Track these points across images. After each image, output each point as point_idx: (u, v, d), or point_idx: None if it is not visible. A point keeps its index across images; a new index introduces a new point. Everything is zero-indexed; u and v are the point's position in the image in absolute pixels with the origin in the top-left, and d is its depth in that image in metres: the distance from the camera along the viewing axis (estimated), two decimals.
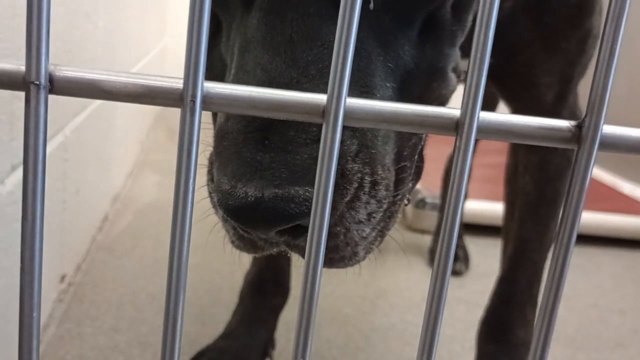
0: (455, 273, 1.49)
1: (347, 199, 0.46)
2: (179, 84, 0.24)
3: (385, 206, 0.49)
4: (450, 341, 1.19)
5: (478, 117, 0.25)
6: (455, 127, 0.25)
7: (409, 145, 0.52)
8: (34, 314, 0.23)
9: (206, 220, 1.84)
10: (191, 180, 0.23)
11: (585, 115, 0.26)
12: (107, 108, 1.45)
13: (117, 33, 1.54)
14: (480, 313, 0.95)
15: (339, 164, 0.43)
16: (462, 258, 1.54)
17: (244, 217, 0.43)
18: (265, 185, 0.42)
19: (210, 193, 0.51)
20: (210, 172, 0.49)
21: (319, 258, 0.27)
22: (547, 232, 0.88)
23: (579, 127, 0.26)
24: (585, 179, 0.27)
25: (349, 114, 0.25)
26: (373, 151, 0.47)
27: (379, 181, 0.48)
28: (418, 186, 1.84)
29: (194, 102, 0.23)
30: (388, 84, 0.48)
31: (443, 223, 0.28)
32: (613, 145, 0.26)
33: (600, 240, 1.80)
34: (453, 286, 1.43)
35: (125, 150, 1.80)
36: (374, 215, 0.49)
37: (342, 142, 0.43)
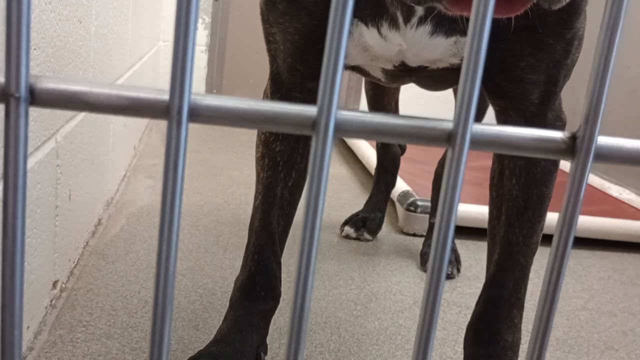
0: (447, 276, 1.49)
1: None
2: (165, 95, 0.23)
3: None
4: (441, 344, 1.18)
5: (471, 129, 0.25)
6: (447, 138, 0.25)
7: None
8: (16, 333, 0.22)
9: (199, 226, 1.84)
10: (178, 193, 0.23)
11: (580, 127, 0.25)
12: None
13: (110, 38, 1.53)
14: None
15: None
16: (453, 261, 1.54)
17: None
18: None
19: None
20: None
21: (312, 261, 0.26)
22: (534, 235, 0.89)
23: (573, 138, 0.25)
24: (580, 190, 0.26)
25: (340, 125, 0.24)
26: None
27: None
28: (409, 189, 1.85)
29: (180, 114, 0.22)
30: None
31: (436, 234, 0.27)
32: (608, 156, 0.26)
33: (589, 243, 1.81)
34: (444, 289, 1.43)
35: (119, 154, 1.80)
36: None
37: None
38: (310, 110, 0.24)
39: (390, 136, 0.25)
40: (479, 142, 0.25)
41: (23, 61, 0.21)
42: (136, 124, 2.20)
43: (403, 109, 1.77)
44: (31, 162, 0.93)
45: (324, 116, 0.24)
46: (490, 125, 0.25)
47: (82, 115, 1.28)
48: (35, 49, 0.89)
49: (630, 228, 1.83)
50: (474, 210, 1.70)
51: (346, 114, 0.24)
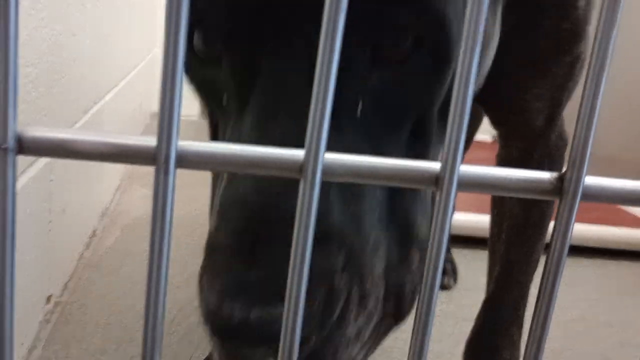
0: (443, 287, 1.49)
1: (335, 316, 0.43)
2: (152, 142, 0.23)
3: (375, 320, 0.47)
4: (438, 357, 1.18)
5: (458, 172, 0.25)
6: (435, 181, 0.25)
7: (404, 258, 0.50)
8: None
9: (194, 237, 1.82)
10: (165, 242, 0.23)
11: (568, 168, 0.26)
12: (94, 122, 1.44)
13: (105, 49, 1.53)
14: (468, 327, 0.95)
15: (325, 279, 0.42)
16: (449, 272, 1.53)
17: (229, 339, 0.42)
18: (251, 305, 0.41)
19: (200, 303, 0.47)
20: (200, 282, 0.47)
21: (300, 301, 0.26)
22: (534, 253, 0.89)
23: (560, 179, 0.26)
24: (568, 230, 0.27)
25: (328, 169, 0.24)
26: (361, 262, 0.45)
27: (368, 294, 0.46)
28: None
29: (167, 162, 0.23)
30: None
31: (425, 276, 0.27)
32: (595, 196, 0.26)
33: (585, 251, 1.80)
34: (441, 300, 1.43)
35: (114, 163, 1.79)
36: (363, 331, 0.46)
37: (328, 257, 0.42)
38: (297, 153, 0.24)
39: (378, 178, 0.25)
40: (467, 184, 0.25)
41: (10, 112, 0.21)
42: (133, 132, 2.20)
43: None
44: (24, 178, 0.93)
45: (311, 159, 0.24)
46: (477, 167, 0.26)
47: (77, 126, 1.28)
48: (27, 66, 0.89)
49: (628, 236, 1.83)
50: (472, 219, 1.69)
51: (334, 157, 0.25)
